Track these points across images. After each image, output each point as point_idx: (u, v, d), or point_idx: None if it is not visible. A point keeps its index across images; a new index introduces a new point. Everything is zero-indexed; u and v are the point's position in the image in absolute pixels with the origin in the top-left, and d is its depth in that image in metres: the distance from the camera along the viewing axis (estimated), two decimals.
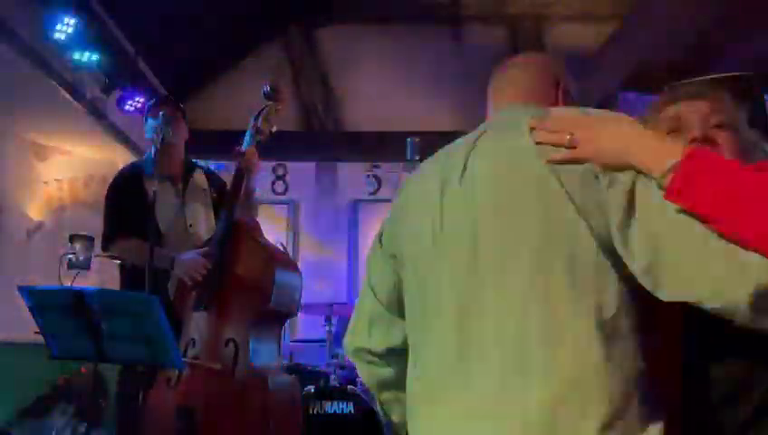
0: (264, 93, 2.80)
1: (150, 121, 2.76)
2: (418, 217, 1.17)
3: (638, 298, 0.96)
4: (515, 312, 0.97)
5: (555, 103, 1.27)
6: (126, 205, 2.70)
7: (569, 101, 1.31)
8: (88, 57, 4.13)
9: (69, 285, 3.55)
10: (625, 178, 0.93)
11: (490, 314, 1.00)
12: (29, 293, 1.95)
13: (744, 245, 0.84)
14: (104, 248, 2.77)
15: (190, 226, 2.77)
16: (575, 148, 0.97)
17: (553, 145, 1.00)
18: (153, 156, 2.68)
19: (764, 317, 0.84)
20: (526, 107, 1.21)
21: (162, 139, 2.57)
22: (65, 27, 3.85)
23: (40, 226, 5.06)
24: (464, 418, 0.99)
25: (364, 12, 6.26)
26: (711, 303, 0.86)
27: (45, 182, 5.25)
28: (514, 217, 1.01)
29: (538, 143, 1.02)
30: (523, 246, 0.99)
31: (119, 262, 2.78)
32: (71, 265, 4.68)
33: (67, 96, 4.28)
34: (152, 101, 2.96)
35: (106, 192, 2.82)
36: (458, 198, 1.10)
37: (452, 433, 1.02)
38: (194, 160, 2.96)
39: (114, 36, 4.52)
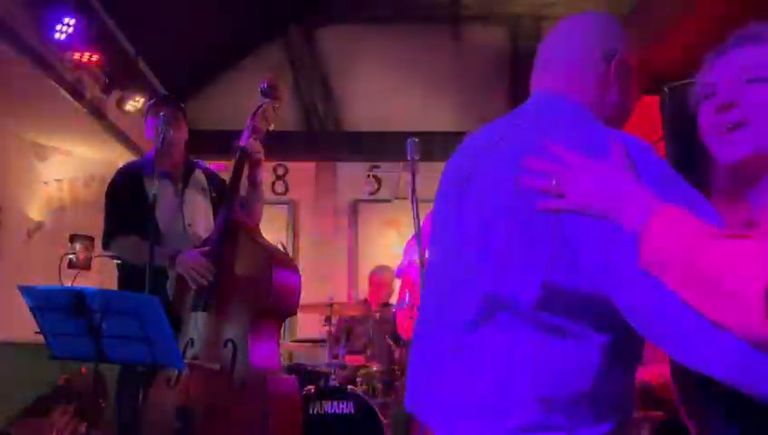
0: (262, 91, 2.80)
1: (151, 121, 2.76)
2: None
3: None
4: None
5: (603, 87, 1.10)
6: (125, 203, 2.70)
7: (628, 78, 1.12)
8: (88, 57, 4.13)
9: (69, 285, 3.54)
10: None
11: None
12: (29, 293, 1.95)
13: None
14: (104, 246, 2.77)
15: (189, 225, 2.78)
16: (561, 195, 0.94)
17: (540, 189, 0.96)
18: (153, 155, 2.68)
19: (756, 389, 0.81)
20: (553, 99, 1.11)
21: (162, 138, 2.57)
22: (65, 27, 3.85)
23: (40, 226, 5.06)
24: None
25: (364, 12, 6.26)
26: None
27: (45, 182, 5.25)
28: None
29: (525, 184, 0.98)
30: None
31: (118, 261, 2.78)
32: (71, 266, 4.69)
33: (67, 96, 4.28)
34: (152, 101, 2.96)
35: (106, 190, 2.83)
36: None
37: None
38: (194, 160, 2.96)
39: (114, 36, 4.53)
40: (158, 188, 2.48)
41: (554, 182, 0.94)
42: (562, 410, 0.94)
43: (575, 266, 0.92)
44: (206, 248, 2.53)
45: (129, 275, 2.70)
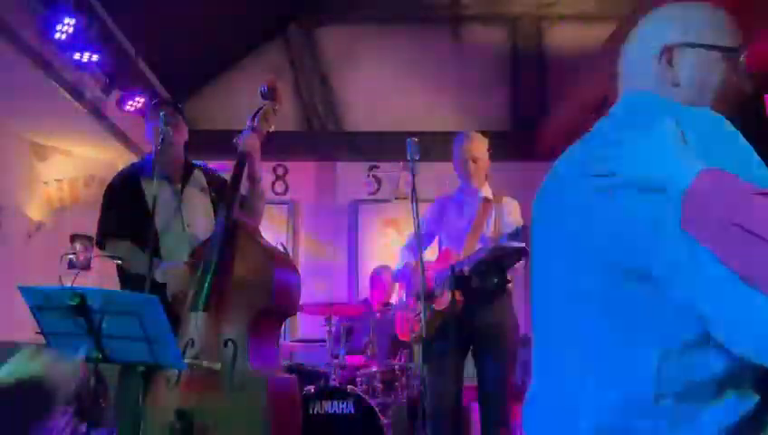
0: (262, 93, 2.81)
1: (150, 123, 2.77)
2: None
3: None
4: None
5: (662, 85, 1.09)
6: (121, 205, 2.72)
7: (682, 68, 1.09)
8: (88, 57, 4.13)
9: (69, 285, 3.54)
10: None
11: None
12: (29, 293, 1.95)
13: None
14: (98, 246, 2.79)
15: (188, 225, 2.78)
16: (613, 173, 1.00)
17: None
18: (153, 156, 2.69)
19: None
20: (628, 101, 1.14)
21: (162, 139, 2.58)
22: (65, 27, 3.85)
23: (40, 226, 5.06)
24: None
25: (364, 12, 6.27)
26: None
27: (45, 182, 5.25)
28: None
29: None
30: None
31: (118, 262, 2.79)
32: (71, 266, 4.69)
33: (67, 96, 4.28)
34: (153, 103, 2.97)
35: (104, 191, 2.84)
36: None
37: None
38: (193, 161, 2.97)
39: (114, 36, 4.52)
40: (156, 190, 2.49)
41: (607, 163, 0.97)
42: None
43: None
44: (193, 260, 2.55)
45: (129, 275, 2.70)
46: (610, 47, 4.50)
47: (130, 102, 4.72)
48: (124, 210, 2.69)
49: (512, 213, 3.11)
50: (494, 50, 6.44)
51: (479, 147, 3.11)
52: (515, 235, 2.72)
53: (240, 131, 2.79)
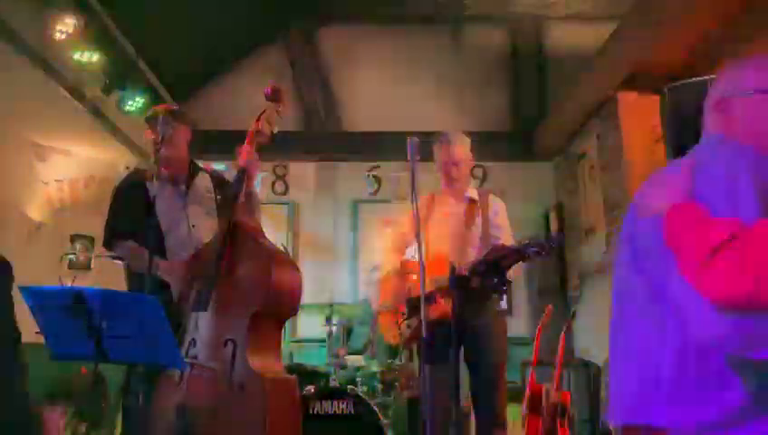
0: (266, 95, 2.83)
1: (152, 126, 2.78)
2: None
3: None
4: None
5: (718, 131, 1.32)
6: (127, 207, 2.74)
7: (733, 122, 1.29)
8: (88, 57, 4.13)
9: (69, 285, 3.55)
10: None
11: None
12: (29, 293, 1.95)
13: None
14: (106, 246, 2.83)
15: (192, 226, 2.81)
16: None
17: None
18: (156, 159, 2.71)
19: None
20: (706, 142, 1.34)
21: (162, 139, 2.59)
22: (65, 27, 3.85)
23: (40, 226, 5.05)
24: None
25: (364, 12, 6.27)
26: None
27: (45, 182, 5.24)
28: None
29: None
30: None
31: (124, 262, 2.82)
32: (71, 265, 4.69)
33: (67, 96, 4.28)
34: (155, 107, 2.99)
35: (111, 193, 2.88)
36: None
37: None
38: (198, 164, 3.01)
39: (114, 36, 4.52)
40: (159, 191, 2.53)
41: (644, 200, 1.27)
42: None
43: None
44: (191, 255, 2.60)
45: (133, 274, 2.73)
46: (611, 47, 4.51)
47: (130, 102, 4.72)
48: (130, 212, 2.71)
49: (498, 214, 3.10)
50: (494, 50, 6.44)
51: (460, 151, 3.09)
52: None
53: (240, 132, 2.80)
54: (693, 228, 1.07)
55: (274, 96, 2.83)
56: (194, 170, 2.93)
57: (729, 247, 0.99)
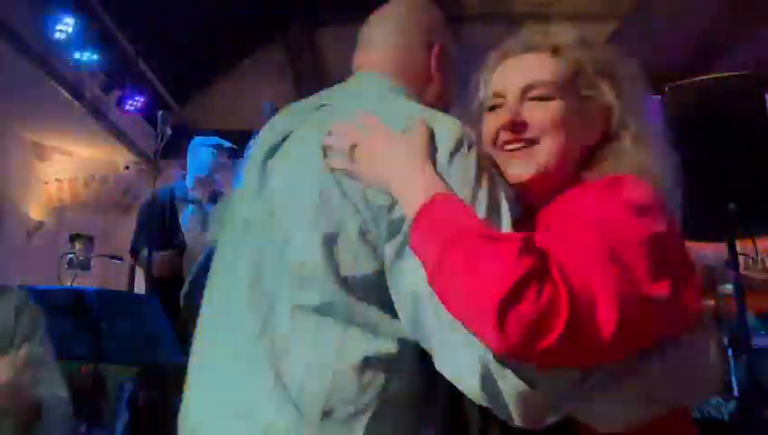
0: (263, 112, 2.86)
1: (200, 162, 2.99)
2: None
3: None
4: None
5: (427, 74, 1.06)
6: (153, 222, 2.90)
7: (449, 69, 1.10)
8: (88, 57, 4.13)
9: (69, 285, 3.55)
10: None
11: None
12: (29, 293, 1.95)
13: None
14: (131, 255, 3.02)
15: (215, 240, 2.92)
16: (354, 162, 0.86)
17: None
18: (186, 183, 2.97)
19: (499, 406, 0.72)
20: (380, 79, 1.03)
21: (161, 138, 2.78)
22: (65, 27, 3.85)
23: (40, 226, 5.06)
24: None
25: (364, 12, 6.25)
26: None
27: (45, 182, 5.25)
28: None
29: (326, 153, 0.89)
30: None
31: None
32: (70, 265, 4.69)
33: (67, 96, 4.28)
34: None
35: (139, 207, 3.09)
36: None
37: None
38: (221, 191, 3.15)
39: (114, 36, 4.53)
40: (184, 209, 2.79)
41: (351, 145, 0.87)
42: None
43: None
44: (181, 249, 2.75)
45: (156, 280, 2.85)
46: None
47: (130, 102, 4.72)
48: (154, 226, 2.87)
49: None
50: (494, 50, 6.45)
51: None
52: None
53: (240, 132, 2.84)
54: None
55: (274, 113, 2.92)
56: (217, 195, 3.15)
57: None
